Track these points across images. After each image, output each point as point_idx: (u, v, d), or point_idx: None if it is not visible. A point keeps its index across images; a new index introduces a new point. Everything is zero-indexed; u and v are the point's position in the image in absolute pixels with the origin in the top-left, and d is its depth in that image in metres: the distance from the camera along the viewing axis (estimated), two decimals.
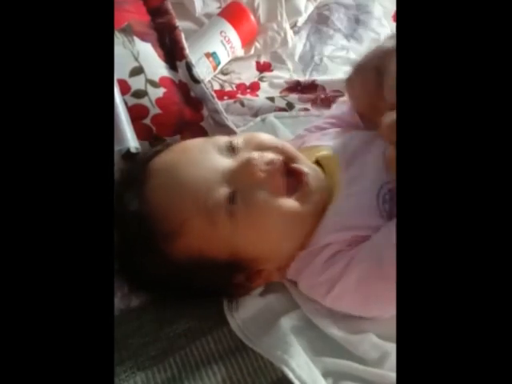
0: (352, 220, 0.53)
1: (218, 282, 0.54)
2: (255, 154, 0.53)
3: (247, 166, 0.52)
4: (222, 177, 0.52)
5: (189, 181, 0.52)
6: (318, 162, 0.59)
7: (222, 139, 0.56)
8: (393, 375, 0.48)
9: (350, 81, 0.61)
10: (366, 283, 0.51)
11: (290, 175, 0.54)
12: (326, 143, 0.62)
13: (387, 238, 0.49)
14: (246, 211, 0.51)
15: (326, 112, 0.74)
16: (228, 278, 0.54)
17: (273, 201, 0.52)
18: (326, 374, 0.50)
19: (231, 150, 0.55)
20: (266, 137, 0.58)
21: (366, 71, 0.56)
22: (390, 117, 0.46)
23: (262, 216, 0.52)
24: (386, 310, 0.52)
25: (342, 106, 0.70)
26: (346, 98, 0.69)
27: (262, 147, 0.55)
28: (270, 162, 0.53)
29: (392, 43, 0.53)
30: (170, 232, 0.52)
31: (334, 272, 0.52)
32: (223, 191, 0.51)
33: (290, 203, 0.53)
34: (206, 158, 0.54)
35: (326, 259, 0.53)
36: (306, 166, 0.55)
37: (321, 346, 0.52)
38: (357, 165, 0.57)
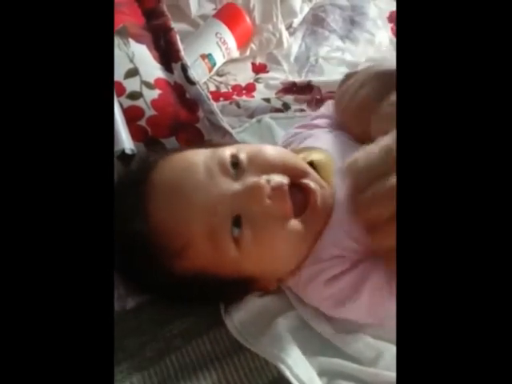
0: (355, 231, 0.53)
1: (217, 294, 0.55)
2: (262, 180, 0.51)
3: (253, 192, 0.51)
4: (227, 201, 0.51)
5: (194, 204, 0.51)
6: (311, 165, 0.58)
7: (227, 154, 0.54)
8: (387, 374, 0.49)
9: (345, 109, 0.62)
10: (378, 301, 0.51)
11: (297, 191, 0.53)
12: (317, 144, 0.61)
13: None
14: (252, 237, 0.51)
15: (314, 112, 0.73)
16: (228, 289, 0.55)
17: (279, 227, 0.51)
18: (320, 373, 0.50)
19: (236, 167, 0.53)
20: (271, 154, 0.55)
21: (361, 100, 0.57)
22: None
23: (267, 242, 0.51)
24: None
25: (330, 106, 0.70)
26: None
27: (268, 167, 0.53)
28: (277, 188, 0.51)
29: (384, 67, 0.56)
30: (172, 253, 0.51)
31: (341, 288, 0.52)
32: (228, 216, 0.51)
33: (295, 227, 0.52)
34: (211, 180, 0.52)
35: (332, 276, 0.53)
36: (314, 181, 0.54)
37: (316, 345, 0.53)
38: None
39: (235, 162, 0.53)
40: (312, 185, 0.53)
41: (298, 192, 0.53)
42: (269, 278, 0.56)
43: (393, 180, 0.44)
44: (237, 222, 0.51)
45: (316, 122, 0.68)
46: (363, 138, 0.56)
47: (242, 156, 0.54)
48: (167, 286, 0.54)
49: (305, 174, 0.55)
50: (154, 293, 0.58)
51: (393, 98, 0.54)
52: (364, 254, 0.53)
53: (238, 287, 0.55)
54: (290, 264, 0.55)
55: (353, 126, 0.62)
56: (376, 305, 0.51)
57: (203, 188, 0.51)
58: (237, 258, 0.51)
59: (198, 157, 0.55)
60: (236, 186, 0.52)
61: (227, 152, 0.54)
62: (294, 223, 0.52)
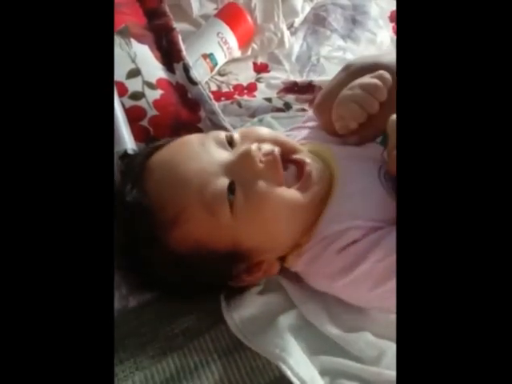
0: (363, 206, 0.54)
1: (218, 273, 0.54)
2: (253, 146, 0.53)
3: (246, 157, 0.53)
4: (221, 168, 0.53)
5: (188, 171, 0.53)
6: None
7: (221, 133, 0.57)
8: (389, 373, 0.49)
9: (319, 106, 0.64)
10: (380, 273, 0.51)
11: (289, 166, 0.55)
12: (312, 140, 0.63)
13: None
14: (246, 202, 0.52)
15: (307, 114, 0.74)
16: (228, 269, 0.55)
17: (272, 190, 0.52)
18: (322, 373, 0.50)
19: (230, 143, 0.56)
20: (263, 130, 0.59)
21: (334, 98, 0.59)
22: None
23: (262, 206, 0.52)
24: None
25: None
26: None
27: (260, 140, 0.56)
28: (269, 153, 0.54)
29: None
30: (168, 221, 0.52)
31: (351, 256, 0.52)
32: (222, 182, 0.52)
33: (290, 193, 0.53)
34: (205, 150, 0.54)
35: (343, 246, 0.53)
36: (306, 156, 0.56)
37: (318, 344, 0.53)
38: (350, 151, 0.58)
39: (230, 141, 0.56)
40: (305, 158, 0.55)
41: (292, 166, 0.56)
42: (267, 252, 0.55)
43: None
44: (231, 188, 0.52)
45: (307, 124, 0.69)
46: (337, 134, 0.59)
47: (236, 135, 0.57)
48: (164, 266, 0.54)
49: (296, 151, 0.57)
50: (154, 280, 0.57)
51: (353, 83, 0.57)
52: (377, 223, 0.53)
53: (237, 266, 0.54)
54: (286, 236, 0.55)
55: (324, 121, 0.63)
56: (378, 276, 0.51)
57: (198, 157, 0.54)
58: (231, 225, 0.52)
59: (194, 135, 0.58)
60: (230, 155, 0.54)
61: (222, 132, 0.58)
62: (288, 190, 0.53)
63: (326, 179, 0.56)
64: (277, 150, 0.54)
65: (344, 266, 0.52)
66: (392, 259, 0.50)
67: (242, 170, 0.52)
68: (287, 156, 0.55)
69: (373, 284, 0.51)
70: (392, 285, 0.50)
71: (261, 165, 0.52)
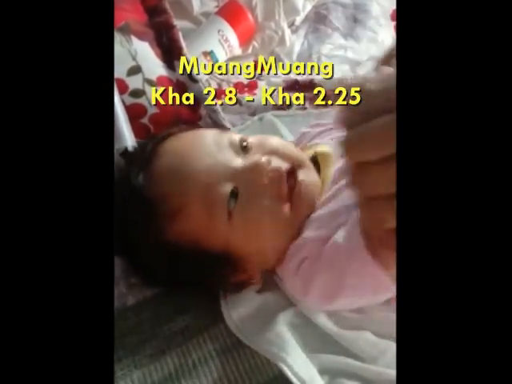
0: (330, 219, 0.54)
1: (206, 271, 0.55)
2: (264, 159, 0.54)
3: (254, 168, 0.53)
4: (229, 173, 0.53)
5: (198, 168, 0.53)
6: (315, 158, 0.61)
7: (237, 136, 0.57)
8: (389, 372, 0.49)
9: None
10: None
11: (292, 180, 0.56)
12: (326, 140, 0.63)
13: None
14: (244, 212, 0.53)
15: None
16: (215, 269, 0.55)
17: (268, 206, 0.53)
18: (322, 371, 0.50)
19: (244, 148, 0.56)
20: (276, 141, 0.59)
21: None
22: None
23: (255, 218, 0.53)
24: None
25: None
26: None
27: (272, 152, 0.56)
28: (276, 170, 0.54)
29: None
30: (168, 212, 0.53)
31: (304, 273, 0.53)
32: (227, 187, 0.53)
33: (282, 209, 0.54)
34: (218, 150, 0.55)
35: (300, 261, 0.53)
36: (305, 173, 0.57)
37: (317, 342, 0.53)
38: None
39: (244, 145, 0.56)
40: (300, 175, 0.56)
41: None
42: (254, 263, 0.56)
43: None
44: (233, 194, 0.53)
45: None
46: None
47: (250, 140, 0.57)
48: (157, 255, 0.54)
49: (301, 166, 0.57)
50: (146, 268, 0.57)
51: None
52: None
53: (224, 267, 0.55)
54: (273, 249, 0.56)
55: None
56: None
57: (210, 155, 0.54)
58: (226, 230, 0.53)
59: (210, 131, 0.59)
60: (240, 160, 0.55)
61: (236, 135, 0.58)
62: (282, 206, 0.54)
63: (315, 195, 0.56)
64: (285, 167, 0.55)
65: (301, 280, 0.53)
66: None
67: (247, 180, 0.53)
68: (293, 169, 0.56)
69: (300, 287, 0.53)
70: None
71: (266, 180, 0.53)
